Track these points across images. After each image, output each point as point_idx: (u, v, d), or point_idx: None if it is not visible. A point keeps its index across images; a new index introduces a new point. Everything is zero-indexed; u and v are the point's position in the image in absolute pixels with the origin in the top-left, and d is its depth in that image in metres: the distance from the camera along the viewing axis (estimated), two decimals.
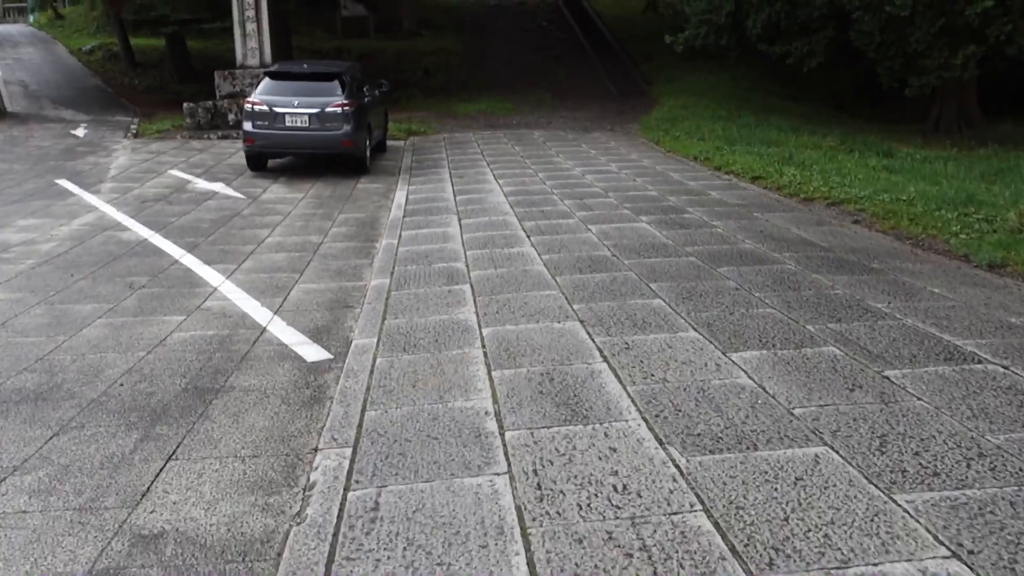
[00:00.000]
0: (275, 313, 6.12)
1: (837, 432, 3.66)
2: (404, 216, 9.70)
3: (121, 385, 4.67)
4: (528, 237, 8.21)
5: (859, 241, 7.82)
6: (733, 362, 4.54)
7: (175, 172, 13.23)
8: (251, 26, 18.49)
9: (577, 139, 16.96)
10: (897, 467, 3.34)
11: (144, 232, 9.10)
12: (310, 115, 12.55)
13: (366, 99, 13.98)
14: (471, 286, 6.48)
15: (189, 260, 7.85)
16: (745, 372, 4.37)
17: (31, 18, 41.38)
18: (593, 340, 5.00)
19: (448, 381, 4.43)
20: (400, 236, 8.58)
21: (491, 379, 4.43)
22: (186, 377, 4.80)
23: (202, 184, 12.28)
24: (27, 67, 28.07)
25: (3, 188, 11.87)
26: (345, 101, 12.63)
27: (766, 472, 3.31)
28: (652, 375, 4.37)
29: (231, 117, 17.75)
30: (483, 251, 7.70)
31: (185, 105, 18.41)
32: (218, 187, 12.05)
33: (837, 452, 3.47)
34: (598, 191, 10.91)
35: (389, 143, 16.63)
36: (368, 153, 13.47)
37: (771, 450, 3.49)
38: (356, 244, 8.61)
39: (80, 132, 18.08)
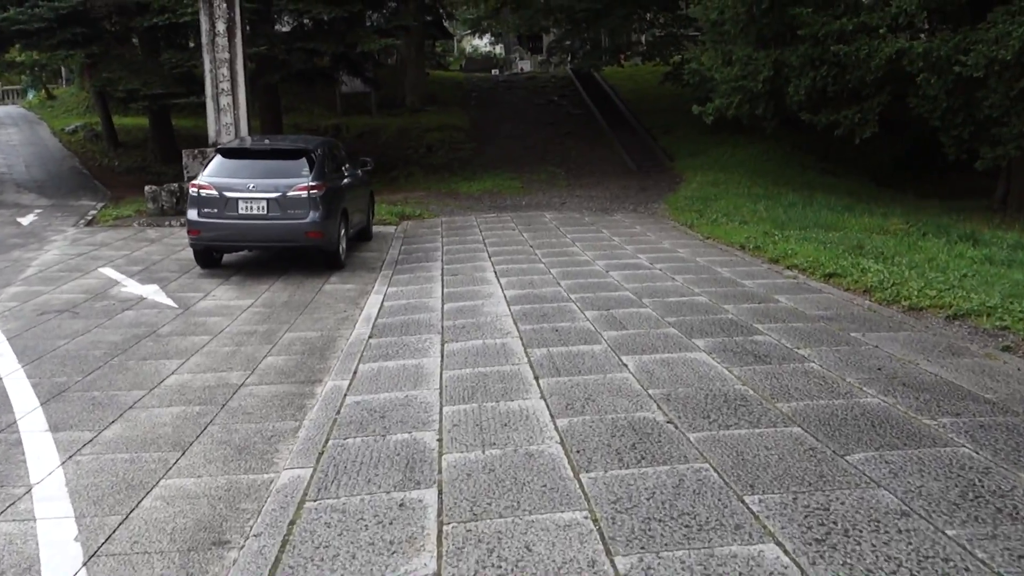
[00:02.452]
0: (86, 561, 3.51)
1: None
2: (370, 336, 7.16)
3: None
4: (536, 380, 5.62)
5: None
6: None
7: (106, 270, 10.81)
8: (225, 100, 16.33)
9: (596, 222, 14.52)
10: None
11: (5, 366, 6.57)
12: (268, 200, 10.15)
13: (344, 180, 11.64)
14: (439, 491, 3.87)
15: (31, 422, 5.29)
16: None
17: (28, 98, 40.13)
18: None
19: None
20: (355, 374, 6.01)
21: None
22: None
23: (131, 287, 9.83)
24: (2, 149, 26.20)
25: None
26: (312, 183, 10.25)
27: None
28: None
29: None
30: (468, 407, 5.11)
31: (147, 188, 16.17)
32: (149, 291, 9.59)
33: None
34: (629, 296, 8.36)
35: (377, 229, 14.24)
36: (343, 245, 11.02)
37: None
38: (289, 388, 6.03)
39: (27, 220, 15.82)
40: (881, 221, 13.80)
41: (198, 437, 5.00)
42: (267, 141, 11.90)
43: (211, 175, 10.42)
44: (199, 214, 10.27)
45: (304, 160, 10.57)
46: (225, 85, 16.33)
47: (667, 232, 13.34)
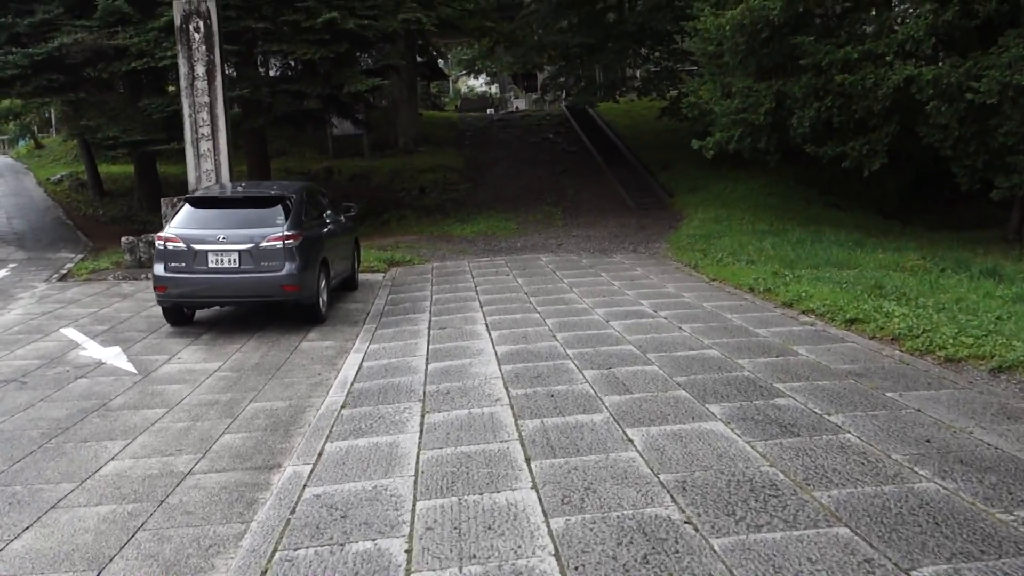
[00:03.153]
0: None
1: None
2: (343, 406, 6.37)
3: None
4: (528, 462, 4.81)
5: None
6: None
7: (68, 331, 10.03)
8: (206, 145, 15.67)
9: (594, 265, 13.78)
10: None
11: None
12: (240, 252, 9.42)
13: (326, 228, 10.93)
14: None
15: None
16: None
17: (17, 148, 39.66)
18: None
19: None
20: (320, 456, 5.22)
21: None
22: None
23: (91, 350, 9.04)
24: None
25: None
26: (288, 232, 9.52)
27: None
28: None
29: None
30: (446, 501, 4.30)
31: (124, 239, 15.48)
32: (110, 354, 8.80)
33: None
34: (632, 351, 7.57)
35: (365, 277, 13.52)
36: (323, 297, 10.26)
37: None
38: (242, 476, 5.22)
39: None
40: (896, 257, 13.07)
41: (122, 549, 4.18)
42: (240, 188, 11.22)
43: (179, 226, 9.70)
44: (166, 268, 9.53)
45: (279, 208, 9.86)
46: (205, 130, 15.69)
47: (670, 274, 12.58)
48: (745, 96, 15.68)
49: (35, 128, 36.82)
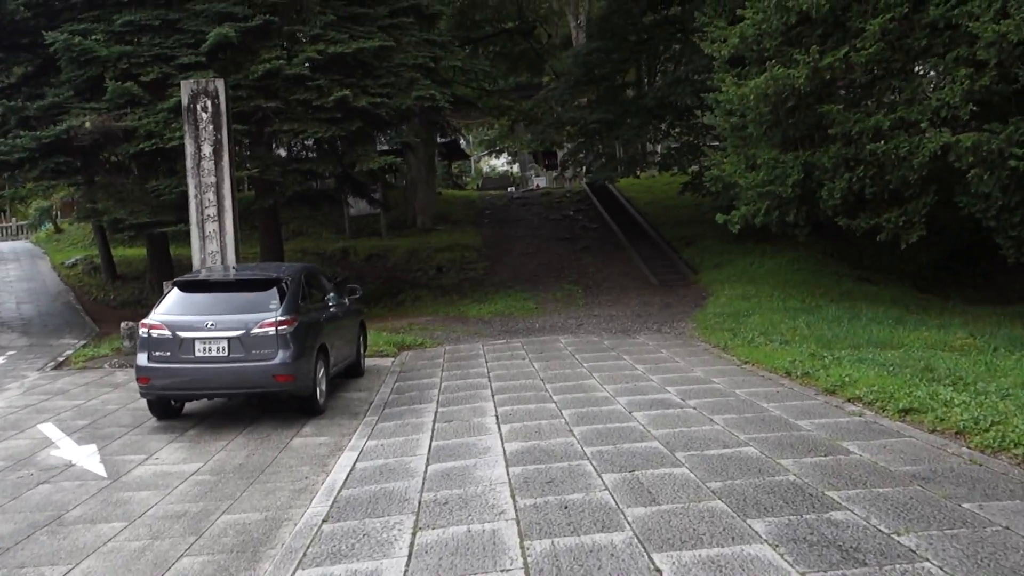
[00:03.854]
0: None
1: None
2: (325, 520, 5.50)
3: None
4: None
5: None
6: None
7: (45, 427, 9.27)
8: (211, 226, 15.17)
9: (616, 347, 12.92)
10: None
11: None
12: (229, 340, 8.68)
13: (327, 312, 10.24)
14: None
15: None
16: None
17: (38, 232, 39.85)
18: None
19: None
20: None
21: None
22: None
23: (64, 450, 8.26)
24: None
25: None
26: (281, 318, 8.79)
27: None
28: None
29: None
30: None
31: (123, 325, 14.92)
32: (83, 454, 8.02)
33: None
34: (658, 448, 6.66)
35: (372, 362, 12.74)
36: (321, 387, 9.46)
37: None
38: None
39: None
40: (941, 335, 12.12)
41: None
42: (232, 270, 10.58)
43: (164, 312, 9.00)
44: (149, 358, 8.80)
45: (274, 291, 9.17)
46: (211, 211, 15.21)
47: (698, 356, 11.68)
48: (771, 168, 14.98)
49: (57, 212, 36.97)
